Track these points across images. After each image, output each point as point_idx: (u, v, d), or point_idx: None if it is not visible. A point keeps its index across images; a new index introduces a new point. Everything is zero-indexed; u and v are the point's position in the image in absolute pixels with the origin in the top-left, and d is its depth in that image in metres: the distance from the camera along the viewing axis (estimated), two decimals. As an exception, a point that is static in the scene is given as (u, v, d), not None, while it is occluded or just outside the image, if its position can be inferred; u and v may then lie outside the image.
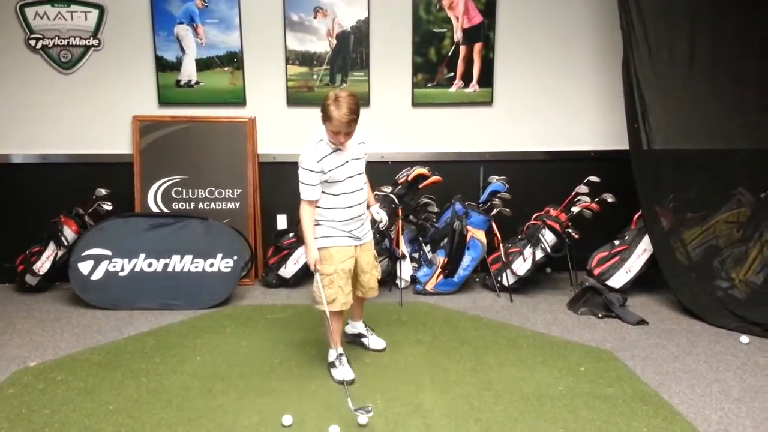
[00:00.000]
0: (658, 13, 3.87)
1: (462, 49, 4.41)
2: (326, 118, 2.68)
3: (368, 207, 3.06)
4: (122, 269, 3.89)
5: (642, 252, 3.98)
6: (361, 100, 4.53)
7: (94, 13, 4.23)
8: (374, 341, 3.24)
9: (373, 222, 3.15)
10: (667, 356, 3.16)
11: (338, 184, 2.82)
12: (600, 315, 3.72)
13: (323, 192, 2.83)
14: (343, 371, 2.87)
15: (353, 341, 3.28)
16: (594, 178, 4.14)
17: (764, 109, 3.84)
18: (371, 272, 3.05)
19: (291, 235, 4.29)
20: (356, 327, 3.27)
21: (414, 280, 4.24)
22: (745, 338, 3.34)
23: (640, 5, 3.83)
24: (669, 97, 3.91)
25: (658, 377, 2.91)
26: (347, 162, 2.82)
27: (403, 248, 4.17)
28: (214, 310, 3.82)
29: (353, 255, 2.91)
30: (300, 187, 2.79)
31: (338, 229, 2.86)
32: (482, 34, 4.40)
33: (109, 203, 4.20)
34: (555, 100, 4.52)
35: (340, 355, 2.93)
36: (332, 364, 2.94)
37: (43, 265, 4.10)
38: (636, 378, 2.89)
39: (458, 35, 4.39)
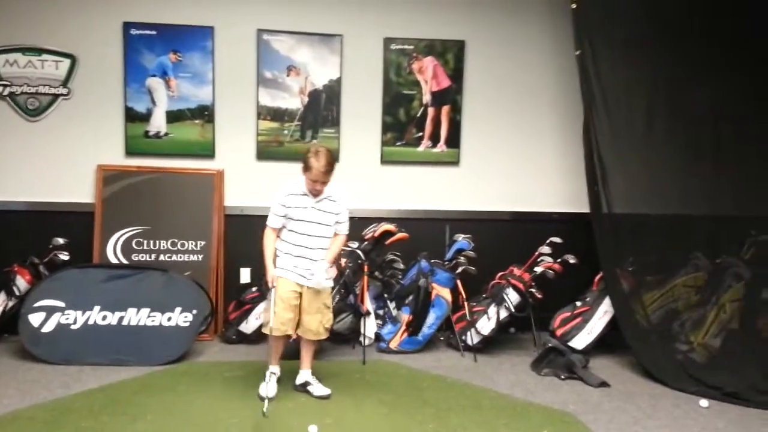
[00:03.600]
0: (618, 82, 4.04)
1: (430, 110, 4.54)
2: (306, 168, 3.10)
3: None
4: (75, 322, 3.74)
5: (603, 314, 4.01)
6: (330, 156, 4.53)
7: (65, 63, 4.23)
8: (318, 388, 3.30)
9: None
10: (628, 420, 3.14)
11: (291, 222, 3.20)
12: (563, 376, 3.71)
13: (283, 225, 3.23)
14: (267, 387, 3.06)
15: (301, 390, 3.33)
16: (556, 239, 4.22)
17: (718, 178, 3.98)
18: (314, 315, 3.23)
19: (254, 289, 4.19)
20: (302, 376, 3.34)
21: (378, 337, 4.18)
22: (704, 402, 3.35)
23: (599, 75, 4.00)
24: (628, 162, 4.05)
25: (620, 441, 2.89)
26: (309, 207, 3.18)
27: (368, 305, 4.13)
28: (169, 367, 3.68)
29: (298, 291, 3.19)
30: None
31: (286, 262, 3.21)
32: (450, 97, 4.54)
33: (66, 253, 4.07)
34: (520, 162, 4.66)
35: (272, 373, 3.21)
36: (264, 378, 3.17)
37: (-10, 315, 3.93)
38: (598, 442, 2.87)
39: (427, 98, 4.53)
